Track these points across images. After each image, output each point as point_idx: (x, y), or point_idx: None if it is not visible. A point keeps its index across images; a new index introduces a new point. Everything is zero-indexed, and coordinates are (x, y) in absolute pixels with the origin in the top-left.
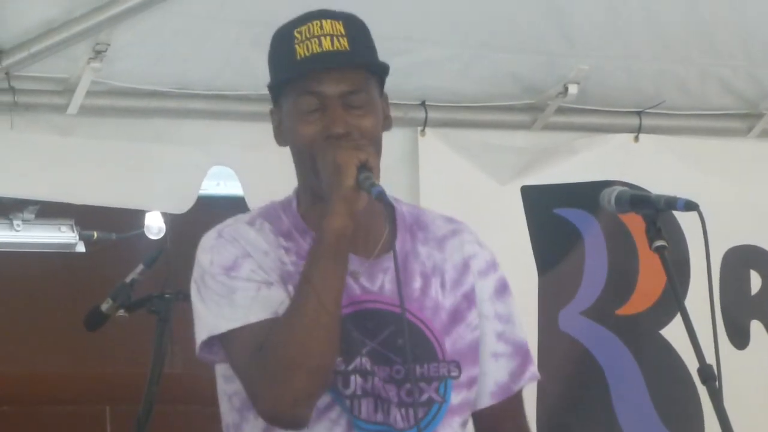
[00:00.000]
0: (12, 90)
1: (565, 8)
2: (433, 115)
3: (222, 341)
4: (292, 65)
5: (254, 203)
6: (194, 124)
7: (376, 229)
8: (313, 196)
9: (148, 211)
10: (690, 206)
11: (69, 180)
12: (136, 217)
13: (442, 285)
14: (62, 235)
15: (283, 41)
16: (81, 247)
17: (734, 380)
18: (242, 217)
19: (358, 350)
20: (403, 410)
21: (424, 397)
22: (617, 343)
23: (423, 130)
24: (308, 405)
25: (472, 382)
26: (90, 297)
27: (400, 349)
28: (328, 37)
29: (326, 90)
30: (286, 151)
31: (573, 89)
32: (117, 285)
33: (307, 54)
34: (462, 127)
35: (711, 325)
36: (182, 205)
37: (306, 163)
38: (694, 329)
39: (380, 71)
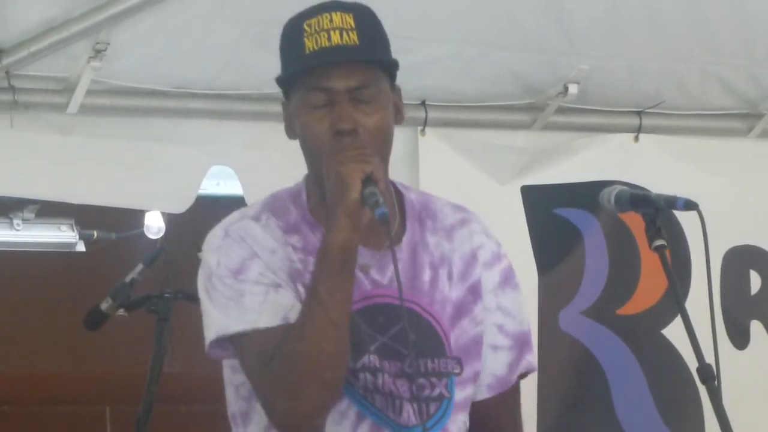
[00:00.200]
0: (12, 89)
1: (566, 7)
2: (433, 114)
3: (231, 342)
4: (300, 59)
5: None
6: (194, 124)
7: None
8: (322, 187)
9: (147, 211)
10: (690, 206)
11: (69, 179)
12: (135, 216)
13: (449, 276)
14: (62, 235)
15: (292, 34)
16: (81, 247)
17: (734, 380)
18: (248, 211)
19: (367, 347)
20: (415, 405)
21: (436, 392)
22: (618, 342)
23: (423, 130)
24: (322, 416)
25: (475, 378)
26: (90, 296)
27: (412, 343)
28: (337, 31)
29: (334, 85)
30: (287, 150)
31: (573, 89)
32: (117, 284)
33: (315, 48)
34: (462, 126)
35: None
36: (182, 204)
37: (315, 160)
38: (694, 329)
39: (389, 67)
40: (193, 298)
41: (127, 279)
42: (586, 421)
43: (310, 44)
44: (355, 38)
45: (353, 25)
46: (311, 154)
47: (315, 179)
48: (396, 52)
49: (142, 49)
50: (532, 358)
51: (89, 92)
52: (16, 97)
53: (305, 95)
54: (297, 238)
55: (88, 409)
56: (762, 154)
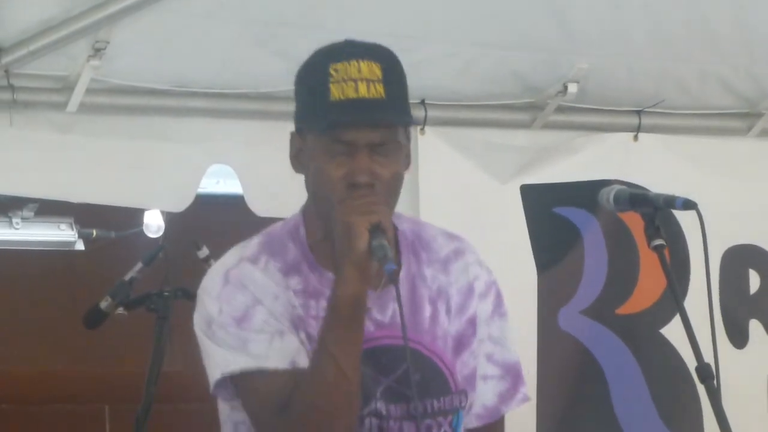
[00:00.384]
0: (11, 87)
1: (565, 7)
2: (432, 113)
3: (234, 382)
4: (325, 107)
5: (254, 202)
6: (194, 123)
7: None
8: (326, 228)
9: (147, 210)
10: (689, 205)
11: (68, 178)
12: (135, 215)
13: (448, 311)
14: (61, 233)
15: (317, 75)
16: (80, 245)
17: (733, 379)
18: (245, 253)
19: (373, 392)
20: None
21: (441, 431)
22: (617, 342)
23: (423, 129)
24: None
25: (471, 407)
26: (89, 295)
27: (417, 384)
28: (364, 82)
29: (356, 140)
30: (286, 149)
31: (573, 88)
32: (116, 283)
33: (341, 98)
34: (462, 125)
35: (710, 325)
36: (181, 203)
37: (324, 204)
38: (693, 328)
39: (410, 124)
40: (193, 297)
41: (127, 277)
42: (584, 420)
43: (336, 92)
44: (381, 91)
45: (380, 76)
46: (322, 200)
47: (319, 216)
48: (396, 51)
49: (142, 48)
50: (526, 390)
51: (88, 91)
52: (15, 95)
53: (325, 144)
54: (297, 280)
55: (87, 407)
56: (761, 154)
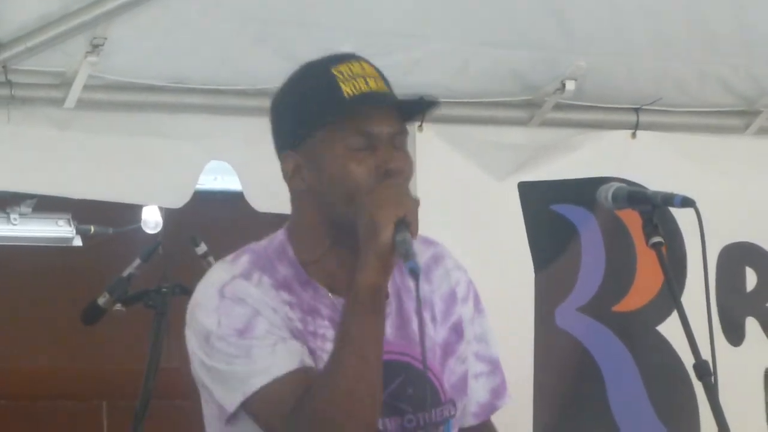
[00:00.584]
0: (9, 83)
1: (564, 5)
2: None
3: (250, 402)
4: (341, 102)
5: (253, 198)
6: (192, 119)
7: None
8: (328, 250)
9: (145, 206)
10: (687, 203)
11: (66, 174)
12: (133, 211)
13: (433, 319)
14: (59, 229)
15: (322, 78)
16: (78, 241)
17: (729, 377)
18: (236, 269)
19: None
20: None
21: None
22: (614, 339)
23: (420, 126)
24: None
25: (466, 408)
26: (87, 291)
27: (410, 398)
28: (371, 78)
29: (377, 130)
30: None
31: (570, 85)
32: (114, 279)
33: (356, 92)
34: (459, 123)
35: (707, 322)
36: (179, 199)
37: (343, 203)
38: (690, 326)
39: (423, 110)
40: (191, 293)
41: (125, 274)
42: (581, 417)
43: (348, 89)
44: (384, 86)
45: (377, 75)
46: (347, 196)
47: (312, 231)
48: (394, 49)
49: (140, 44)
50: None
51: (86, 87)
52: (13, 91)
53: (343, 141)
54: (291, 297)
55: (85, 404)
56: (759, 152)
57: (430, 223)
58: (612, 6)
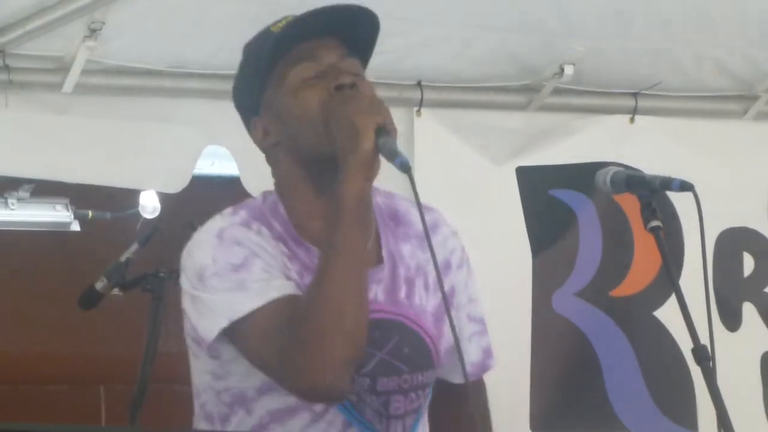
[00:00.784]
0: (7, 68)
1: None
2: (429, 95)
3: (239, 329)
4: (270, 37)
5: (250, 183)
6: (190, 104)
7: None
8: (313, 203)
9: (143, 190)
10: (685, 187)
11: (64, 159)
12: (131, 196)
13: (426, 287)
14: (57, 214)
15: (259, 37)
16: (76, 226)
17: (726, 362)
18: (234, 219)
19: (365, 364)
20: (404, 420)
21: (417, 404)
22: (611, 324)
23: (419, 110)
24: (346, 372)
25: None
26: (84, 276)
27: (407, 357)
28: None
29: (320, 54)
30: None
31: (569, 70)
32: (111, 264)
33: (283, 24)
34: (458, 107)
35: (704, 307)
36: (177, 184)
37: (310, 133)
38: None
39: (367, 36)
40: None
41: (122, 258)
42: (578, 401)
43: (275, 28)
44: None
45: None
46: (311, 125)
47: (299, 191)
48: (392, 33)
49: (138, 29)
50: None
51: (84, 72)
52: (11, 76)
53: (292, 75)
54: (288, 251)
55: (83, 388)
56: (757, 136)
57: None
58: None
